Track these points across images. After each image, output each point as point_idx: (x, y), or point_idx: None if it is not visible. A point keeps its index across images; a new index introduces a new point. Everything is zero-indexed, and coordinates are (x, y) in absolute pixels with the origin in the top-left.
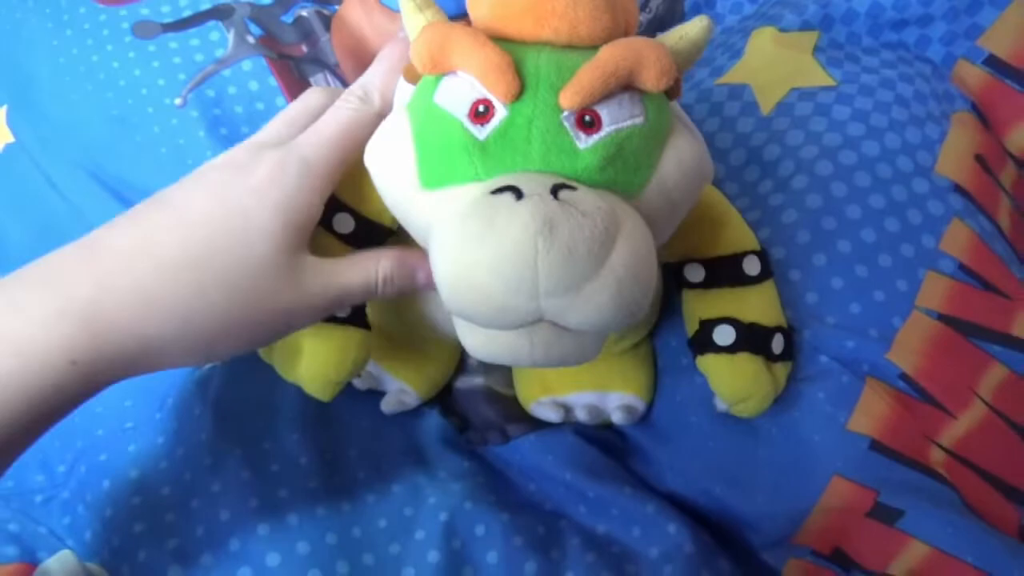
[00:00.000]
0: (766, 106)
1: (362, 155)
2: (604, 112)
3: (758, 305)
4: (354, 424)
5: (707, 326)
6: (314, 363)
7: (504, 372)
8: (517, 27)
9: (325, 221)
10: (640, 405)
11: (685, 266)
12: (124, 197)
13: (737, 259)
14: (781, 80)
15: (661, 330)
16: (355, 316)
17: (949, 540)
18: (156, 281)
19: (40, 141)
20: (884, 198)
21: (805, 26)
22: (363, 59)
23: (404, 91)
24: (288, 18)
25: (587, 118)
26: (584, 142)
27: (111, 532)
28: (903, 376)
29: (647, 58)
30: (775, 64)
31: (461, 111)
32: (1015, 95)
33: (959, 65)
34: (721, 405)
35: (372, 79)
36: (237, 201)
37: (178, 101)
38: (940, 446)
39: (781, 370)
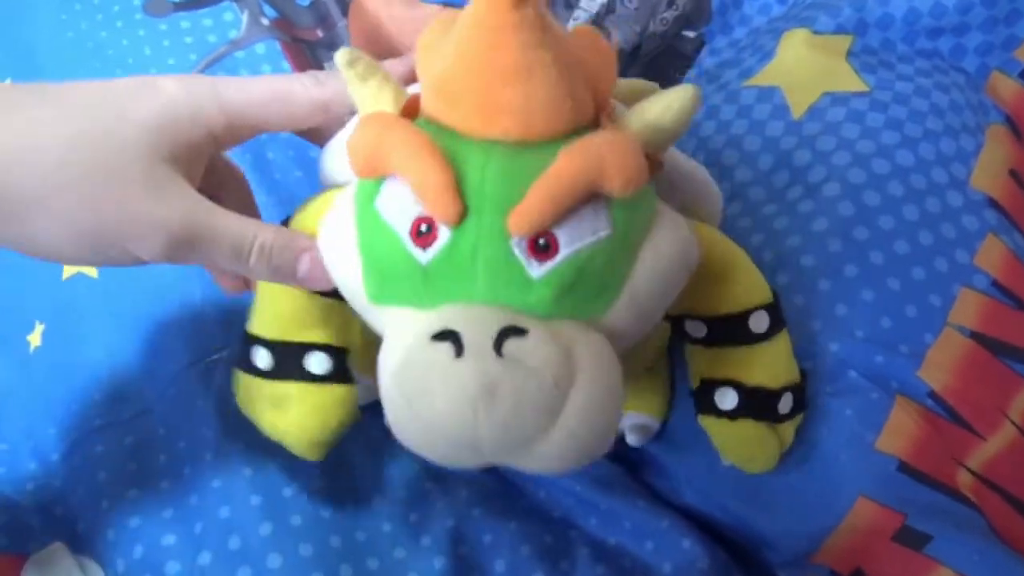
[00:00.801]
0: (797, 110)
1: (279, 124)
2: (561, 233)
3: (765, 365)
4: (360, 425)
5: (708, 387)
6: (296, 427)
7: None
8: (464, 120)
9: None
10: (654, 425)
11: (686, 321)
12: None
13: (743, 317)
14: (813, 83)
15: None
16: (337, 374)
17: (976, 568)
18: (28, 99)
19: None
20: (918, 209)
21: (839, 29)
22: (380, 46)
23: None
24: (304, 1)
25: (541, 241)
26: (537, 270)
27: (105, 526)
28: (932, 394)
29: (610, 163)
30: (807, 67)
31: (403, 227)
32: None
33: (994, 76)
34: (726, 461)
35: (326, 77)
36: (132, 90)
37: None
38: (968, 468)
39: (789, 427)
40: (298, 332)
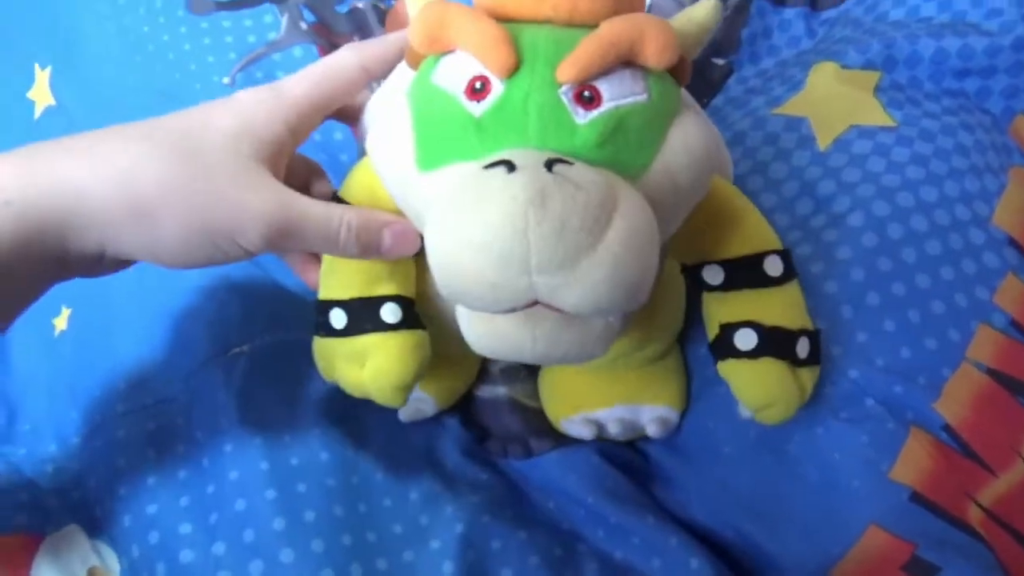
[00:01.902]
0: (824, 141)
1: (336, 97)
2: (604, 87)
3: (781, 307)
4: (375, 425)
5: (727, 330)
6: (380, 375)
7: (528, 382)
8: (517, 5)
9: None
10: (674, 416)
11: (703, 268)
12: None
13: (758, 259)
14: (841, 116)
15: (692, 343)
16: (408, 320)
17: None
18: (104, 141)
19: (82, 106)
20: (941, 244)
21: (868, 65)
22: None
23: (405, 78)
24: (343, 8)
25: (586, 93)
26: (583, 117)
27: (122, 512)
28: (947, 427)
29: (648, 33)
30: (835, 99)
31: (458, 88)
32: None
33: (1018, 120)
34: (745, 412)
35: (363, 44)
36: (208, 108)
37: (226, 80)
38: (979, 504)
39: (807, 375)
40: (369, 288)
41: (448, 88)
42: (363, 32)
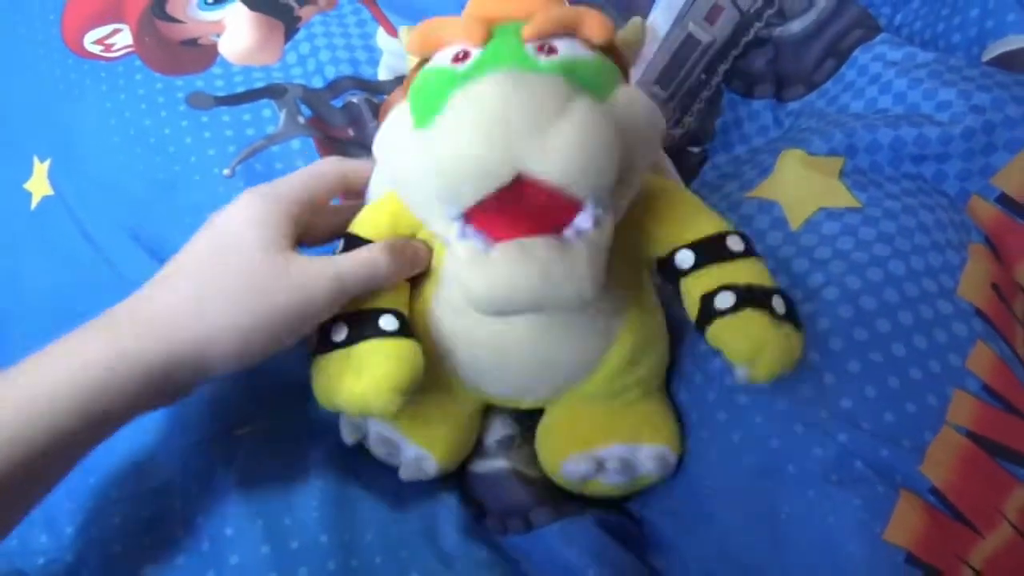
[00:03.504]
0: (795, 222)
1: (315, 191)
2: (560, 45)
3: (751, 273)
4: (373, 505)
5: (707, 299)
6: (378, 377)
7: (525, 451)
8: (492, 11)
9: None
10: (672, 457)
11: (675, 256)
12: (160, 256)
13: (721, 237)
14: (809, 199)
15: (683, 403)
16: (404, 329)
17: None
18: (173, 295)
19: (80, 196)
20: (912, 315)
21: (831, 152)
22: None
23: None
24: (338, 103)
25: (545, 47)
26: (544, 60)
27: None
28: (934, 490)
29: (587, 15)
30: (804, 183)
31: (446, 61)
32: None
33: (973, 200)
34: (739, 373)
35: (344, 159)
36: (224, 227)
37: (227, 172)
38: (970, 565)
39: (792, 332)
40: (368, 302)
41: (438, 64)
42: (357, 125)
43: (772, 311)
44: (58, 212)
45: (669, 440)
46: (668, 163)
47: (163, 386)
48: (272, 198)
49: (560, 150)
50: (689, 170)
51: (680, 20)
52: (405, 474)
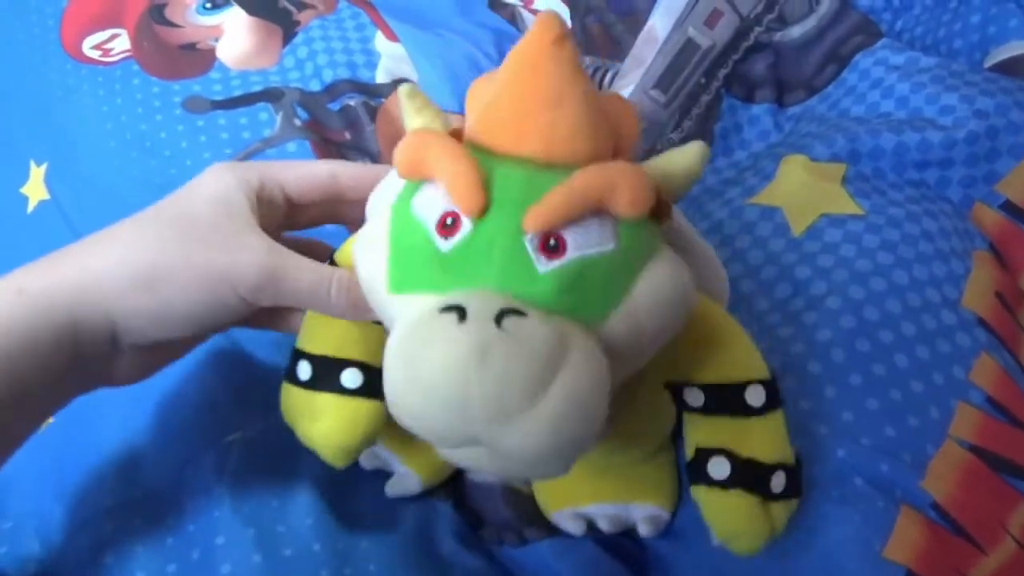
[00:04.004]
0: (797, 228)
1: (300, 182)
2: (570, 237)
3: (760, 439)
4: (368, 512)
5: (702, 455)
6: (327, 431)
7: None
8: (499, 141)
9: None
10: (665, 516)
11: (684, 390)
12: None
13: (739, 388)
14: (812, 206)
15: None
16: (367, 387)
17: None
18: (108, 230)
19: (76, 200)
20: (915, 326)
21: (834, 158)
22: None
23: (395, 189)
24: (335, 106)
25: (551, 242)
26: (545, 266)
27: None
28: (935, 505)
29: (620, 184)
30: (806, 190)
31: (431, 220)
32: None
33: (977, 207)
34: (715, 539)
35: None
36: (189, 186)
37: None
38: None
39: (781, 509)
40: (337, 349)
41: (422, 219)
42: (354, 128)
43: (767, 491)
44: (54, 216)
45: (663, 500)
46: (678, 215)
47: (70, 333)
48: (235, 166)
49: (530, 439)
50: None
51: (680, 24)
52: (391, 491)
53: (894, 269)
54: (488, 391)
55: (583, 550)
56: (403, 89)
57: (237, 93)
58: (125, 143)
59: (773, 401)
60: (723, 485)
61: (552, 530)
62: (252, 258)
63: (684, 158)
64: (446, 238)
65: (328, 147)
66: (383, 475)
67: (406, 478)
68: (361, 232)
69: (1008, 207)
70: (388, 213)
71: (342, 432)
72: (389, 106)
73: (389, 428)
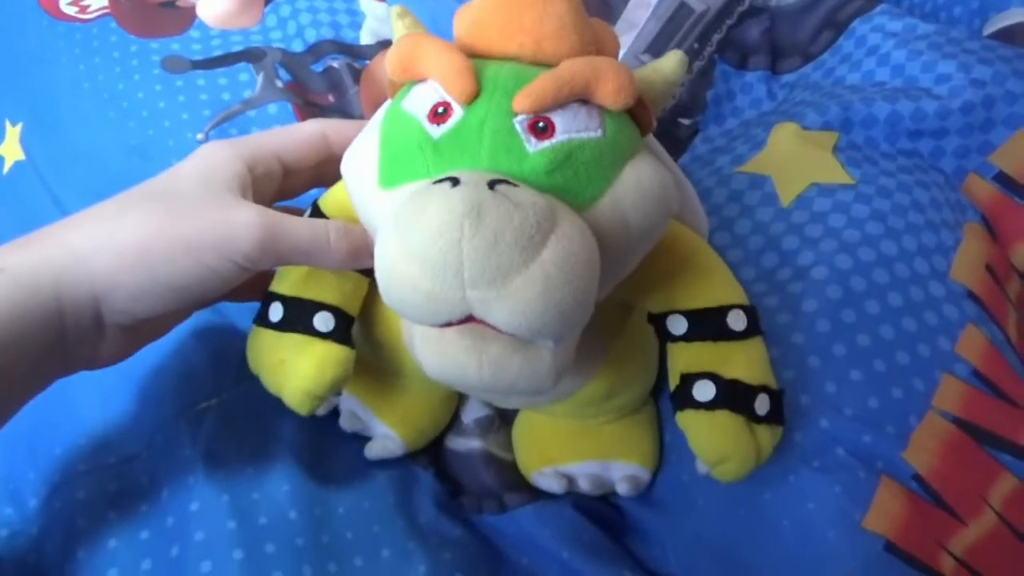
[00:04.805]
0: (786, 198)
1: (292, 148)
2: (558, 120)
3: (743, 362)
4: (346, 479)
5: (687, 380)
6: (294, 376)
7: (503, 434)
8: (488, 42)
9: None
10: (645, 476)
11: (668, 318)
12: None
13: (722, 312)
14: (801, 174)
15: (665, 397)
16: (338, 332)
17: None
18: (92, 209)
19: (52, 162)
20: (902, 297)
21: (826, 126)
22: None
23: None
24: (318, 67)
25: (540, 124)
26: (534, 146)
27: None
28: (916, 477)
29: (605, 74)
30: (796, 158)
31: (422, 112)
32: (1022, 212)
33: (970, 178)
34: (701, 467)
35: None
36: (176, 167)
37: (200, 136)
38: (951, 553)
39: (766, 434)
40: (312, 292)
41: (414, 112)
42: (337, 91)
43: (752, 412)
44: (29, 177)
45: (643, 459)
46: (656, 145)
47: (55, 312)
48: (229, 143)
49: (520, 305)
50: (680, 142)
51: None
52: (371, 453)
53: (883, 239)
54: (481, 249)
55: (564, 516)
56: (394, 9)
57: (217, 53)
58: (102, 103)
59: (754, 326)
60: (709, 407)
61: (533, 495)
62: (249, 219)
63: (664, 65)
64: (438, 125)
65: (310, 110)
66: (361, 441)
67: (387, 440)
68: (354, 141)
69: (1001, 178)
70: (379, 119)
71: (309, 376)
72: (374, 68)
73: (368, 382)
